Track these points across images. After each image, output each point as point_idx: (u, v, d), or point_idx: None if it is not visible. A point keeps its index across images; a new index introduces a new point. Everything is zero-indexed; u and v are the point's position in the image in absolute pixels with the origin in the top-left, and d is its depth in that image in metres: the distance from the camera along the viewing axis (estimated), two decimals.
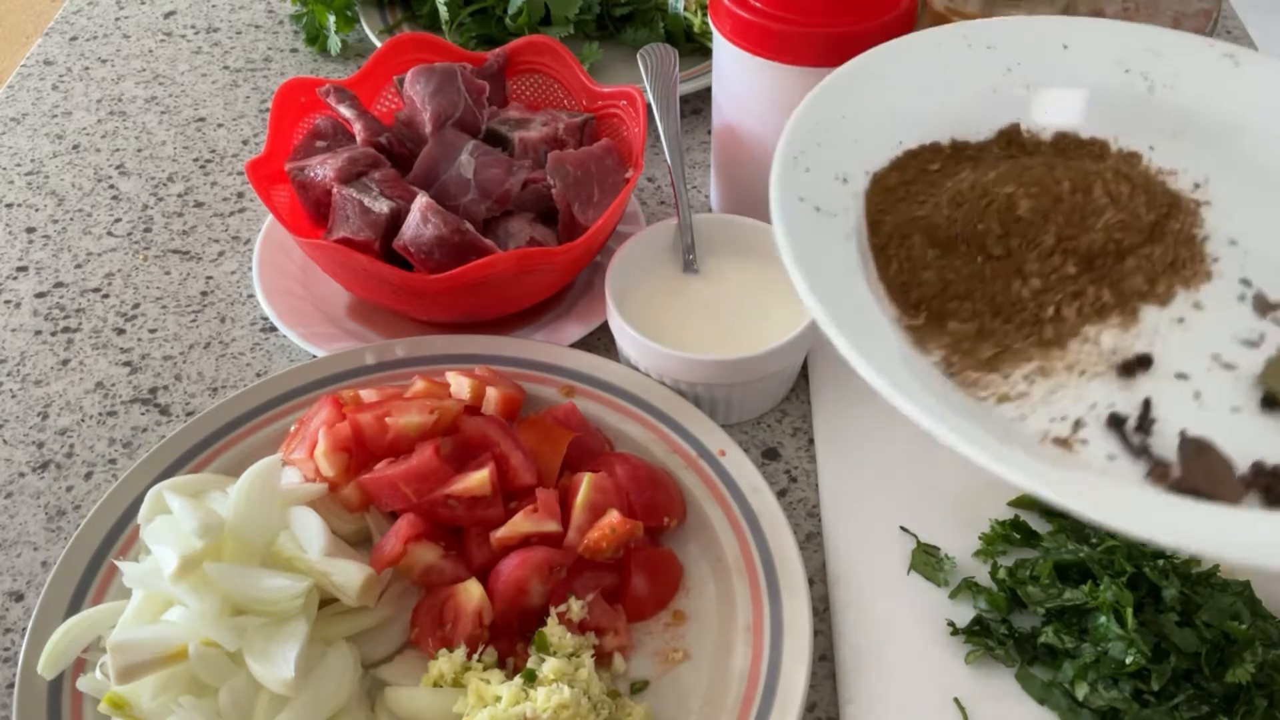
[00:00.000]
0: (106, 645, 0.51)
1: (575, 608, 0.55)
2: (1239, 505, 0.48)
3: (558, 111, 0.80)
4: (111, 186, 0.89)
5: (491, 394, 0.64)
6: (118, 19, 1.09)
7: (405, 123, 0.77)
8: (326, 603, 0.56)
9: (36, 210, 0.87)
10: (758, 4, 0.67)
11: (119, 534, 0.59)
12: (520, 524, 0.57)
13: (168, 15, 1.09)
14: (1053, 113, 0.65)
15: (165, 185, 0.89)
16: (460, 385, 0.64)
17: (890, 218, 0.59)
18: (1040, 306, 0.55)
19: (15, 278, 0.81)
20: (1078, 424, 0.51)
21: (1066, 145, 0.64)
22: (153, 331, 0.77)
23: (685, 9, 0.98)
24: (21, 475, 0.68)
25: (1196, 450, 0.50)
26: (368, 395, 0.63)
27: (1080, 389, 0.52)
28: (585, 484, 0.59)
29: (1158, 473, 0.49)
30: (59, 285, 0.80)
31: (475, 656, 0.54)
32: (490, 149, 0.74)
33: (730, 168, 0.77)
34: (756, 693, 0.53)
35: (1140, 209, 0.58)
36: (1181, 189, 0.62)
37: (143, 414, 0.71)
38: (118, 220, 0.86)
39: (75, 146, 0.93)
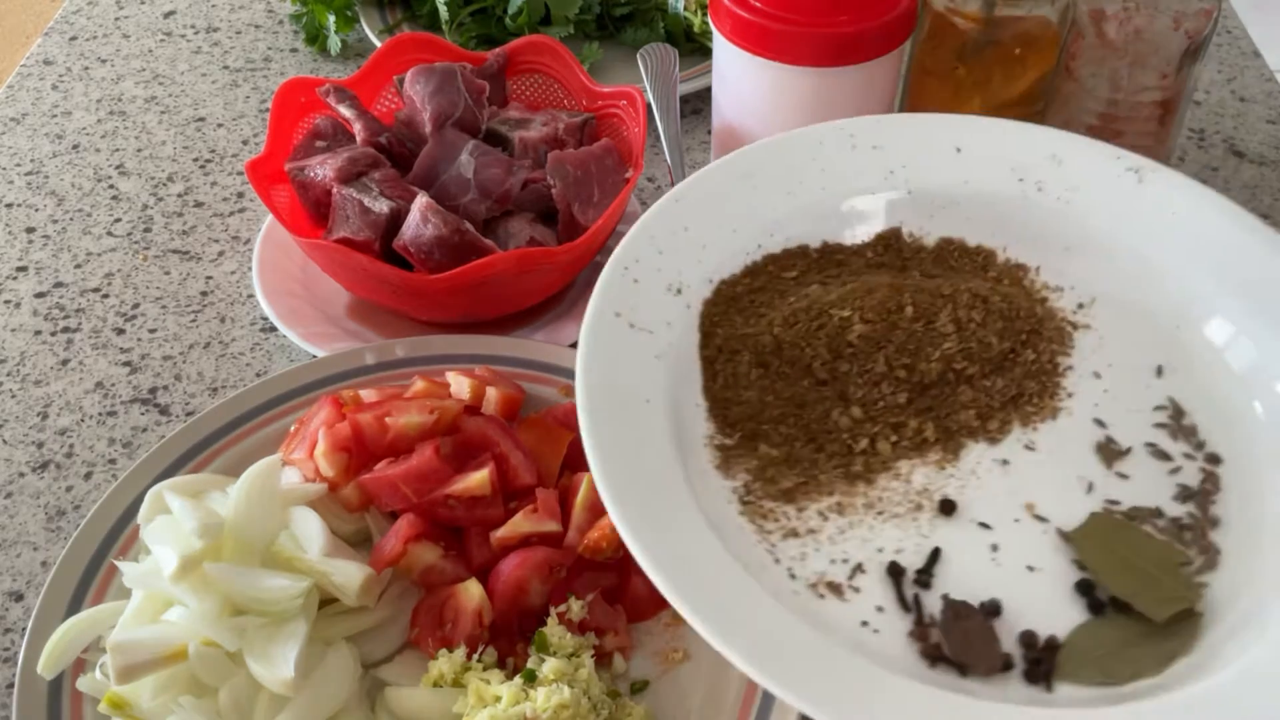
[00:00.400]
0: (106, 645, 0.51)
1: (575, 608, 0.55)
2: (991, 680, 0.46)
3: (558, 111, 0.80)
4: (111, 186, 0.89)
5: (491, 394, 0.64)
6: (117, 19, 1.09)
7: (405, 123, 0.77)
8: (326, 603, 0.55)
9: (36, 210, 0.87)
10: (758, 4, 0.67)
11: (119, 534, 0.59)
12: (520, 524, 0.57)
13: (167, 15, 1.09)
14: (938, 218, 0.62)
15: (165, 185, 0.89)
16: (460, 385, 0.64)
17: (722, 330, 0.57)
18: (854, 437, 0.53)
19: (15, 278, 0.81)
20: (857, 569, 0.49)
21: (950, 252, 0.62)
22: (152, 331, 0.76)
23: (685, 9, 0.98)
24: (21, 475, 0.68)
25: (957, 615, 0.47)
26: (368, 395, 0.63)
27: (873, 530, 0.50)
28: (585, 484, 0.59)
29: (919, 633, 0.47)
30: (59, 285, 0.80)
31: (475, 656, 0.54)
32: (490, 149, 0.74)
33: None
34: (756, 693, 0.53)
35: (991, 338, 0.56)
36: (1063, 309, 0.60)
37: (143, 414, 0.71)
38: (117, 220, 0.86)
39: (75, 146, 0.93)
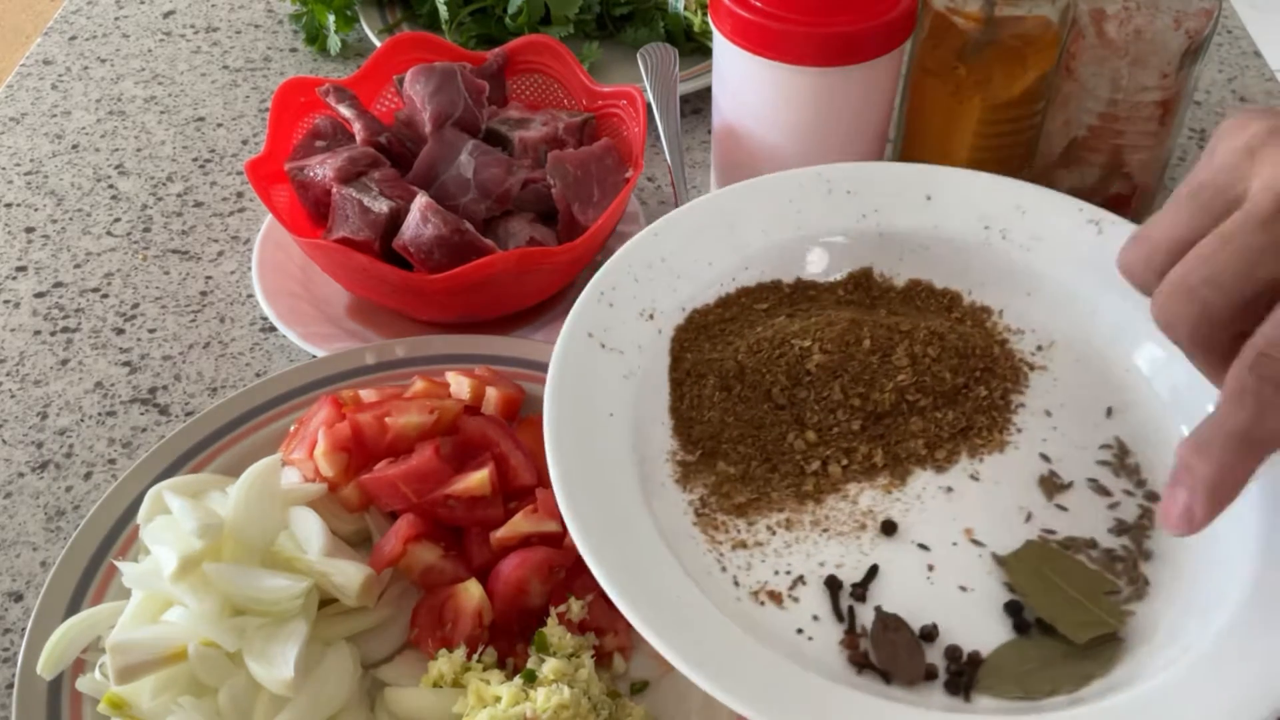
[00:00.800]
0: (106, 645, 0.51)
1: (575, 608, 0.55)
2: (915, 689, 0.48)
3: (558, 111, 0.80)
4: (111, 186, 0.89)
5: (491, 394, 0.64)
6: (117, 19, 1.09)
7: (405, 122, 0.77)
8: (326, 603, 0.55)
9: (35, 210, 0.86)
10: (758, 3, 0.67)
11: (118, 534, 0.59)
12: (520, 524, 0.57)
13: (167, 15, 1.09)
14: (908, 261, 0.65)
15: (164, 185, 0.89)
16: (460, 385, 0.64)
17: (691, 355, 0.60)
18: (807, 459, 0.56)
19: (14, 278, 0.81)
20: (799, 580, 0.52)
21: (918, 293, 0.65)
22: (152, 331, 0.76)
23: (685, 8, 0.98)
24: (21, 475, 0.68)
25: (886, 626, 0.50)
26: (367, 395, 0.63)
27: (817, 546, 0.53)
28: None
29: (849, 640, 0.49)
30: (58, 285, 0.80)
31: (475, 657, 0.54)
32: (490, 149, 0.74)
33: (730, 168, 0.77)
34: None
35: (944, 373, 0.59)
36: (1022, 350, 0.62)
37: (142, 414, 0.71)
38: (117, 220, 0.86)
39: (74, 146, 0.93)
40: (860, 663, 0.49)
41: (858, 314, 0.62)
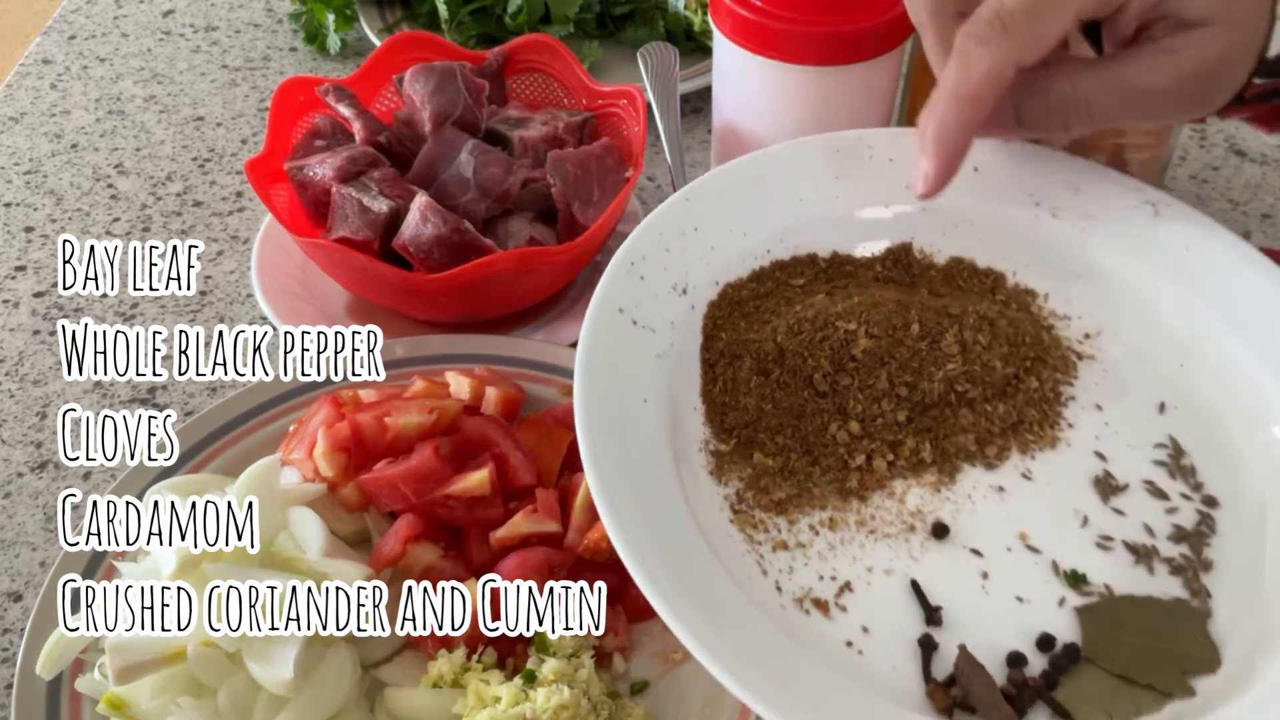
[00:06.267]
0: (105, 645, 0.51)
1: None
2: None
3: (557, 111, 0.80)
4: (110, 186, 0.89)
5: (491, 394, 0.64)
6: (116, 18, 1.09)
7: (404, 122, 0.77)
8: None
9: (35, 210, 0.86)
10: (758, 3, 0.67)
11: None
12: (520, 524, 0.57)
13: (166, 14, 1.09)
14: (950, 236, 0.62)
15: (164, 184, 0.89)
16: (460, 385, 0.64)
17: (725, 334, 0.57)
18: (851, 453, 0.53)
19: (14, 277, 0.81)
20: (845, 587, 0.49)
21: (960, 272, 0.61)
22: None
23: (685, 8, 0.98)
24: (20, 475, 0.68)
25: (970, 665, 0.46)
26: (367, 395, 0.63)
27: (863, 549, 0.50)
28: (585, 484, 0.59)
29: (935, 691, 0.46)
30: (57, 285, 0.80)
31: (475, 657, 0.54)
32: (490, 148, 0.74)
33: None
34: None
35: (995, 362, 0.55)
36: (1069, 337, 0.59)
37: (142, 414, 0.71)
38: (116, 220, 0.85)
39: (74, 146, 0.93)
40: (948, 709, 0.45)
41: (901, 294, 0.58)
